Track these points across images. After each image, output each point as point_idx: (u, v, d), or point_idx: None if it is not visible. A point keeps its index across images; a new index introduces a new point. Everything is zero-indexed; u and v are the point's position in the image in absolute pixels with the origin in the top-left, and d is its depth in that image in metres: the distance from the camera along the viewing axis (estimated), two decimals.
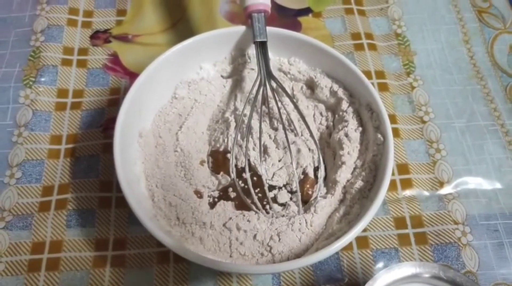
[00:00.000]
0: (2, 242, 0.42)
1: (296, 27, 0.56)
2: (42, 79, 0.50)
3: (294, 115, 0.44)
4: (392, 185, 0.46)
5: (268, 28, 0.43)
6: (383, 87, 0.52)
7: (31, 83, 0.50)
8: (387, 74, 0.53)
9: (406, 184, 0.46)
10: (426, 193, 0.46)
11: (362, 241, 0.43)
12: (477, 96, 0.52)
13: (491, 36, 0.56)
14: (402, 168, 0.47)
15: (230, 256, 0.37)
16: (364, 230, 0.43)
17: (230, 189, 0.41)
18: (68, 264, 0.41)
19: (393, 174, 0.46)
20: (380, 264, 0.42)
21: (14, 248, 0.42)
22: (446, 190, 0.46)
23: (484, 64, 0.54)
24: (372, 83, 0.51)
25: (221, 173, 0.42)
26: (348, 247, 0.43)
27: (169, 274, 0.41)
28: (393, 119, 0.49)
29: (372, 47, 0.55)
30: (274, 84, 0.42)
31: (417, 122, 0.50)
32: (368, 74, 0.52)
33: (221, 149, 0.43)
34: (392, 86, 0.52)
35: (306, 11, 0.58)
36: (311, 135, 0.41)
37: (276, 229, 0.38)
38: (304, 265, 0.35)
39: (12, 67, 0.51)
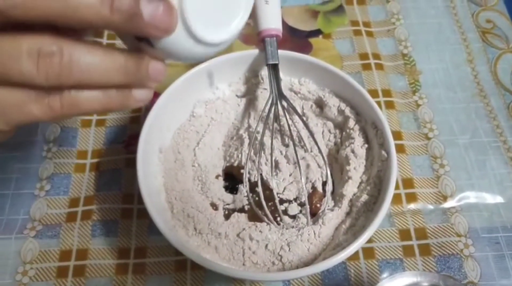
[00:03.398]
0: (33, 250, 0.45)
1: (307, 47, 0.59)
2: None
3: (304, 132, 0.47)
4: (397, 199, 0.48)
5: (280, 51, 0.45)
6: (389, 105, 0.54)
7: None
8: (393, 93, 0.55)
9: (411, 197, 0.48)
10: (430, 207, 0.48)
11: (368, 251, 0.45)
12: (480, 114, 0.54)
13: (494, 55, 0.59)
14: (407, 182, 0.49)
15: (243, 264, 0.40)
16: (370, 241, 0.46)
17: (244, 202, 0.44)
18: (93, 271, 0.44)
19: (398, 188, 0.49)
20: (385, 274, 0.44)
21: (44, 256, 0.45)
22: (449, 204, 0.48)
23: (487, 83, 0.56)
24: (379, 101, 0.54)
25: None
26: (355, 257, 0.45)
27: (187, 281, 0.44)
28: (399, 135, 0.52)
29: (379, 66, 0.57)
30: (285, 103, 0.45)
31: (422, 138, 0.52)
32: (375, 92, 0.55)
33: (235, 164, 0.46)
34: (398, 104, 0.55)
35: (317, 32, 0.61)
36: (320, 151, 0.44)
37: (286, 239, 0.40)
38: (312, 273, 0.38)
39: None
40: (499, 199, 0.48)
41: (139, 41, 0.25)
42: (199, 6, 0.24)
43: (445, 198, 0.48)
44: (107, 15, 0.21)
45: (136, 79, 0.25)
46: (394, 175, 0.40)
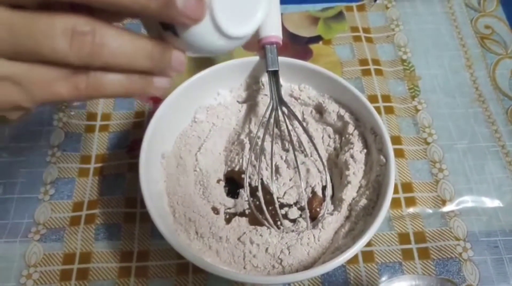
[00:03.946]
0: (37, 253, 0.46)
1: (307, 54, 0.60)
2: (74, 104, 0.55)
3: (304, 138, 0.47)
4: (397, 203, 0.49)
5: (280, 58, 0.46)
6: (389, 110, 0.55)
7: (63, 107, 0.55)
8: (393, 98, 0.56)
9: (410, 202, 0.49)
10: (429, 211, 0.48)
11: (368, 255, 0.46)
12: (479, 119, 0.55)
13: (493, 61, 0.59)
14: (407, 186, 0.50)
15: (244, 268, 0.40)
16: (370, 245, 0.46)
17: (245, 206, 0.45)
18: (96, 274, 0.45)
19: (397, 192, 0.49)
20: (384, 277, 0.45)
21: (48, 259, 0.46)
22: (448, 208, 0.49)
23: (486, 88, 0.57)
24: (379, 107, 0.55)
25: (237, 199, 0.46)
26: (355, 260, 0.45)
27: (188, 284, 0.44)
28: (398, 140, 0.53)
29: (379, 72, 0.58)
30: (285, 109, 0.46)
31: (421, 143, 0.53)
32: (374, 98, 0.56)
33: (236, 169, 0.47)
34: (397, 109, 0.55)
35: (317, 38, 0.62)
36: (319, 156, 0.44)
37: (286, 243, 0.41)
38: (311, 276, 0.38)
39: None
40: (497, 203, 0.49)
41: (165, 30, 0.26)
42: (225, 1, 0.25)
43: (444, 202, 0.49)
44: (144, 0, 0.22)
45: (159, 66, 0.26)
46: (393, 180, 0.40)
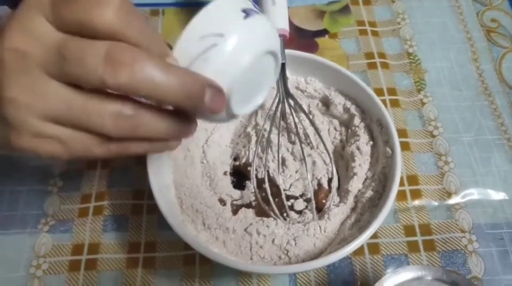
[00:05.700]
0: (46, 244, 0.46)
1: (313, 47, 0.60)
2: None
3: (310, 130, 0.48)
4: (402, 195, 0.49)
5: (287, 51, 0.47)
6: (394, 103, 0.55)
7: None
8: (398, 91, 0.56)
9: (416, 194, 0.49)
10: (435, 203, 0.49)
11: (373, 247, 0.46)
12: (485, 112, 0.55)
13: (499, 54, 0.59)
14: (412, 179, 0.50)
15: (251, 259, 0.41)
16: (376, 237, 0.46)
17: (251, 198, 0.45)
18: (105, 264, 0.45)
19: (403, 184, 0.49)
20: (390, 269, 0.45)
21: (57, 250, 0.46)
22: (454, 200, 0.49)
23: (492, 81, 0.57)
24: (385, 100, 0.55)
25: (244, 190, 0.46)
26: (360, 252, 0.46)
27: (195, 274, 0.45)
28: (404, 133, 0.53)
29: (385, 65, 0.58)
30: (291, 102, 0.46)
31: (427, 136, 0.53)
32: (380, 91, 0.56)
33: (243, 161, 0.47)
34: (403, 102, 0.55)
35: (323, 32, 0.62)
36: (326, 148, 0.45)
37: (292, 234, 0.41)
38: (317, 267, 0.39)
39: None
40: (503, 195, 0.49)
41: None
42: (239, 92, 0.30)
43: (449, 195, 0.49)
44: (181, 99, 0.27)
45: (176, 136, 0.31)
46: (399, 172, 0.41)
